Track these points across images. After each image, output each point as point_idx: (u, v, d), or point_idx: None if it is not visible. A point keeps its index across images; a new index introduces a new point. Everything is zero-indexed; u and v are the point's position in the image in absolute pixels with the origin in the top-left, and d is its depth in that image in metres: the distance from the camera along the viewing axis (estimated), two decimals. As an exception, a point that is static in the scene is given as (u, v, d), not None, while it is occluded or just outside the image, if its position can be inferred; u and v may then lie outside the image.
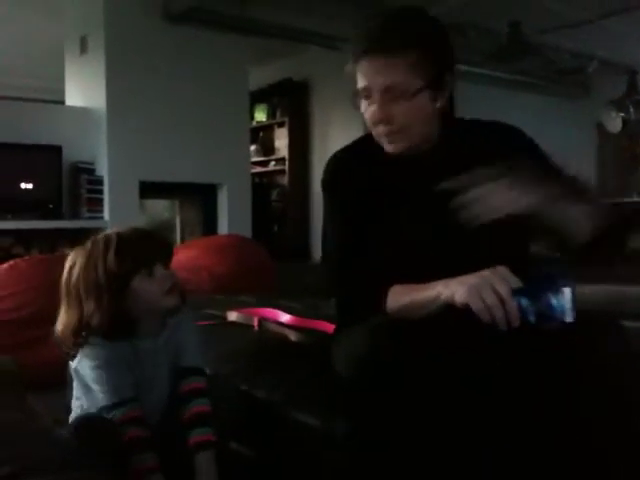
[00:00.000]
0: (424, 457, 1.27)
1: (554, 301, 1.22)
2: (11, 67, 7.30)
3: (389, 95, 1.41)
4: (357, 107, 1.48)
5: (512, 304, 1.23)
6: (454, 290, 1.29)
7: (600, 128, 7.63)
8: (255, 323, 2.10)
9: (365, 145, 1.55)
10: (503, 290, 1.24)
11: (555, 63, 6.99)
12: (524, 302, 1.23)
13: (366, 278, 1.46)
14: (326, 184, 1.62)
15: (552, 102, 7.78)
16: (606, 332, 1.33)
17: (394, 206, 1.50)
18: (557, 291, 1.22)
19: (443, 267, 1.37)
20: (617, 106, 7.06)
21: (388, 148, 1.49)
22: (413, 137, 1.47)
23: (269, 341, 1.93)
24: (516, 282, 1.26)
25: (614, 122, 7.08)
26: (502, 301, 1.23)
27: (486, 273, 1.27)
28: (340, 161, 1.62)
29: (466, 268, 1.33)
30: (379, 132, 1.48)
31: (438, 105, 1.46)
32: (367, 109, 1.46)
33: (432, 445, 1.26)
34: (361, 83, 1.44)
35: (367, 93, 1.44)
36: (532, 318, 1.23)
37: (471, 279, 1.28)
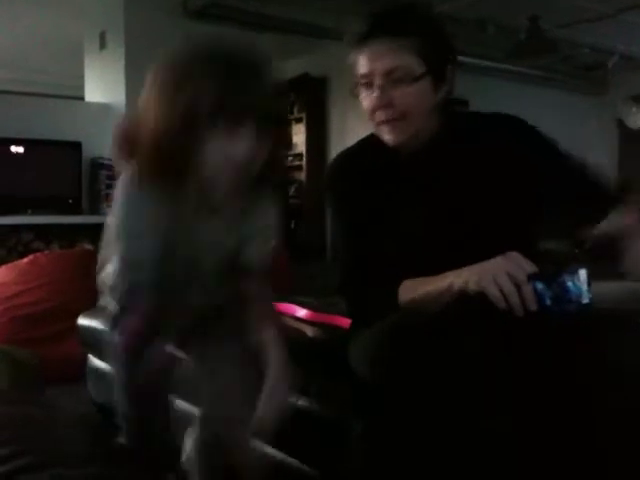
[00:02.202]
0: (442, 455, 1.26)
1: (570, 283, 1.21)
2: (31, 63, 7.37)
3: (391, 78, 1.41)
4: (356, 95, 1.48)
5: (528, 289, 1.22)
6: (467, 278, 1.29)
7: (620, 124, 7.57)
8: (272, 318, 2.11)
9: (367, 146, 1.55)
10: (519, 275, 1.23)
11: (575, 58, 6.94)
12: (540, 286, 1.22)
13: (376, 276, 1.47)
14: (329, 185, 1.63)
15: (572, 97, 7.73)
16: (623, 329, 1.32)
17: (397, 203, 1.50)
18: (573, 273, 1.21)
19: (449, 261, 1.37)
20: (637, 101, 6.99)
21: (387, 138, 1.48)
22: (411, 126, 1.46)
23: (285, 337, 1.93)
24: (531, 267, 1.25)
25: (634, 117, 7.02)
26: (518, 286, 1.23)
27: (499, 260, 1.27)
28: (342, 162, 1.63)
29: (472, 261, 1.33)
30: (379, 120, 1.47)
31: (438, 97, 1.46)
32: (367, 97, 1.45)
33: (450, 443, 1.25)
34: (362, 70, 1.44)
35: (368, 80, 1.44)
36: (548, 302, 1.22)
37: (484, 266, 1.28)
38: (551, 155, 1.52)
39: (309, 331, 1.93)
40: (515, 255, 1.27)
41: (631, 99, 7.04)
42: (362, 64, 1.44)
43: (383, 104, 1.43)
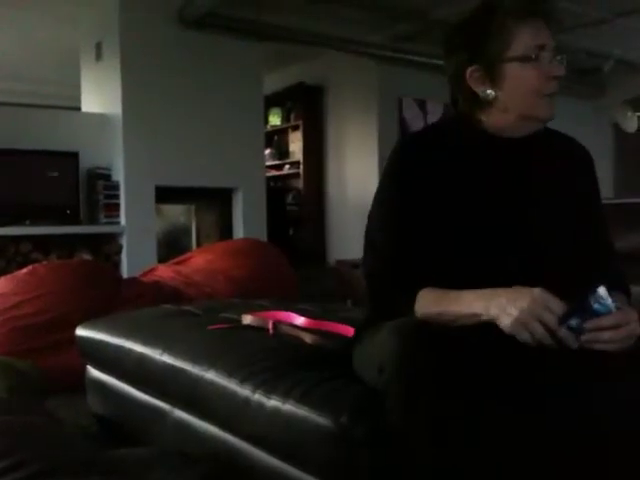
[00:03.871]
0: (450, 465, 1.22)
1: (596, 305, 1.21)
2: (28, 75, 7.38)
3: (554, 55, 1.43)
4: (531, 64, 1.43)
5: (563, 331, 1.21)
6: (495, 316, 1.25)
7: (617, 128, 7.58)
8: (270, 326, 2.11)
9: (436, 134, 1.54)
10: (550, 321, 1.21)
11: (571, 63, 6.95)
12: (574, 323, 1.21)
13: (406, 272, 1.42)
14: (392, 166, 1.53)
15: (568, 101, 7.74)
16: None
17: (468, 185, 1.46)
18: (594, 293, 1.21)
19: (495, 261, 1.38)
20: (633, 105, 7.00)
21: (547, 112, 1.47)
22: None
23: (284, 344, 1.93)
24: (559, 307, 1.22)
25: (630, 121, 7.02)
26: (551, 331, 1.21)
27: (526, 304, 1.22)
28: (411, 145, 1.55)
29: (519, 268, 1.34)
30: (550, 91, 1.45)
31: None
32: (544, 66, 1.42)
33: (460, 455, 1.20)
34: (539, 40, 1.42)
35: (541, 51, 1.42)
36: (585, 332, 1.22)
37: (513, 310, 1.22)
38: (598, 205, 1.58)
39: (307, 338, 1.94)
40: (543, 297, 1.23)
41: (627, 103, 7.05)
42: (539, 35, 1.42)
43: (562, 75, 1.44)
